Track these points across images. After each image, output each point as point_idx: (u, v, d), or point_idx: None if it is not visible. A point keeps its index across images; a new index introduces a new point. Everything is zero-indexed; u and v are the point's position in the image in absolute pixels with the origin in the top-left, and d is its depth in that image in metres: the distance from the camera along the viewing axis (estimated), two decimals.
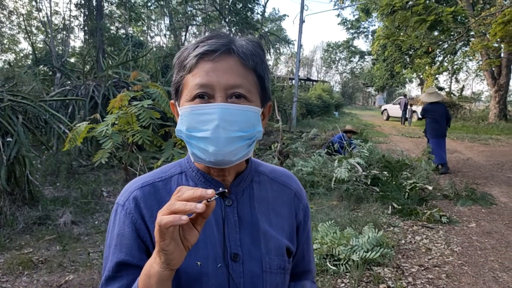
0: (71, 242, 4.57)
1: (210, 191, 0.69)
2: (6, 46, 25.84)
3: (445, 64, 25.86)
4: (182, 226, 0.72)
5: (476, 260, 4.28)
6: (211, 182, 0.95)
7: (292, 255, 1.04)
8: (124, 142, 3.37)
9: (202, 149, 0.85)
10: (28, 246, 4.42)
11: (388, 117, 27.84)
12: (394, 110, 26.52)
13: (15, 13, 23.30)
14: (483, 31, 13.84)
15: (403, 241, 4.74)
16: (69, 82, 11.31)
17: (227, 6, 17.45)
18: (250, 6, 17.64)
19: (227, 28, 17.60)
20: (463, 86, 29.01)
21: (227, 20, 17.58)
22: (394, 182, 6.92)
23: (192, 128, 0.86)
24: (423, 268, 4.03)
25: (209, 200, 0.69)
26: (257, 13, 19.53)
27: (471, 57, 26.94)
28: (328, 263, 3.89)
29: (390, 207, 5.92)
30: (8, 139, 5.33)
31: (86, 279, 3.70)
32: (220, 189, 0.73)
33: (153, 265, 0.75)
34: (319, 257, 3.93)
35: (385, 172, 7.32)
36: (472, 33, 15.70)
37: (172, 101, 0.98)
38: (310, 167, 7.09)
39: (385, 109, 28.80)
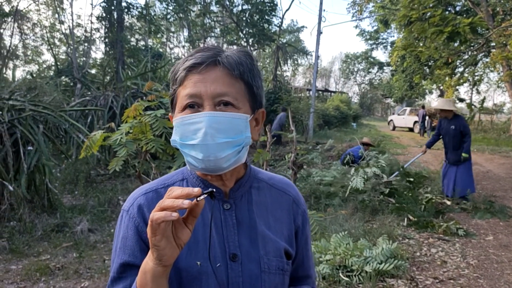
0: (87, 250, 4.65)
1: (196, 189, 0.74)
2: (30, 58, 26.59)
3: (466, 75, 25.52)
4: (174, 225, 0.78)
5: (492, 273, 4.20)
6: (210, 188, 0.98)
7: (291, 258, 1.07)
8: (139, 150, 3.44)
9: (194, 156, 0.90)
10: (46, 252, 4.51)
11: (394, 127, 28.61)
12: (400, 120, 27.99)
13: (39, 25, 24.01)
14: (504, 42, 13.63)
15: (418, 254, 4.69)
16: (89, 92, 11.57)
17: (244, 18, 17.63)
18: (267, 18, 17.79)
19: (244, 39, 17.76)
20: (484, 98, 28.50)
21: (244, 32, 17.76)
22: (410, 194, 6.84)
23: (184, 137, 0.90)
24: (437, 281, 3.97)
25: (198, 199, 0.74)
26: (275, 25, 19.65)
27: (492, 68, 26.53)
28: (340, 274, 3.87)
29: (405, 219, 5.86)
30: (29, 148, 5.48)
31: (101, 286, 3.76)
32: (209, 189, 0.77)
33: (148, 261, 0.80)
34: (332, 268, 3.91)
35: (407, 183, 7.22)
36: (492, 44, 15.48)
37: (170, 114, 1.02)
38: (331, 176, 7.06)
39: (391, 120, 29.90)
